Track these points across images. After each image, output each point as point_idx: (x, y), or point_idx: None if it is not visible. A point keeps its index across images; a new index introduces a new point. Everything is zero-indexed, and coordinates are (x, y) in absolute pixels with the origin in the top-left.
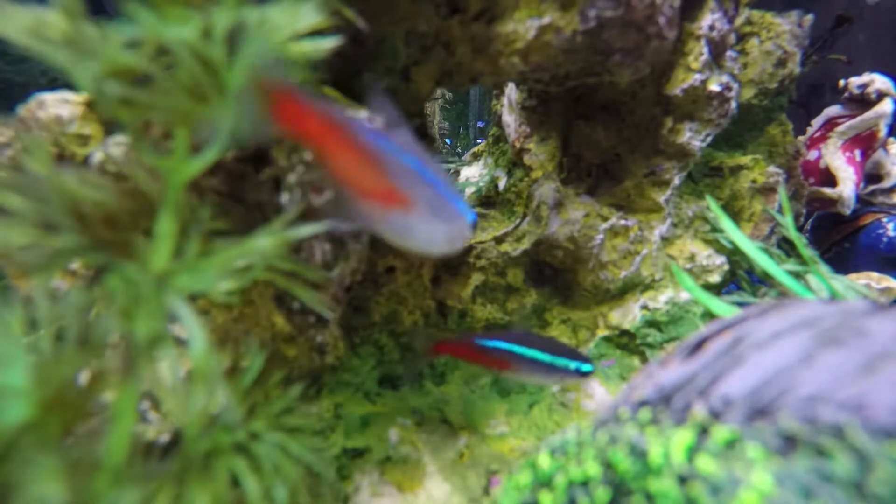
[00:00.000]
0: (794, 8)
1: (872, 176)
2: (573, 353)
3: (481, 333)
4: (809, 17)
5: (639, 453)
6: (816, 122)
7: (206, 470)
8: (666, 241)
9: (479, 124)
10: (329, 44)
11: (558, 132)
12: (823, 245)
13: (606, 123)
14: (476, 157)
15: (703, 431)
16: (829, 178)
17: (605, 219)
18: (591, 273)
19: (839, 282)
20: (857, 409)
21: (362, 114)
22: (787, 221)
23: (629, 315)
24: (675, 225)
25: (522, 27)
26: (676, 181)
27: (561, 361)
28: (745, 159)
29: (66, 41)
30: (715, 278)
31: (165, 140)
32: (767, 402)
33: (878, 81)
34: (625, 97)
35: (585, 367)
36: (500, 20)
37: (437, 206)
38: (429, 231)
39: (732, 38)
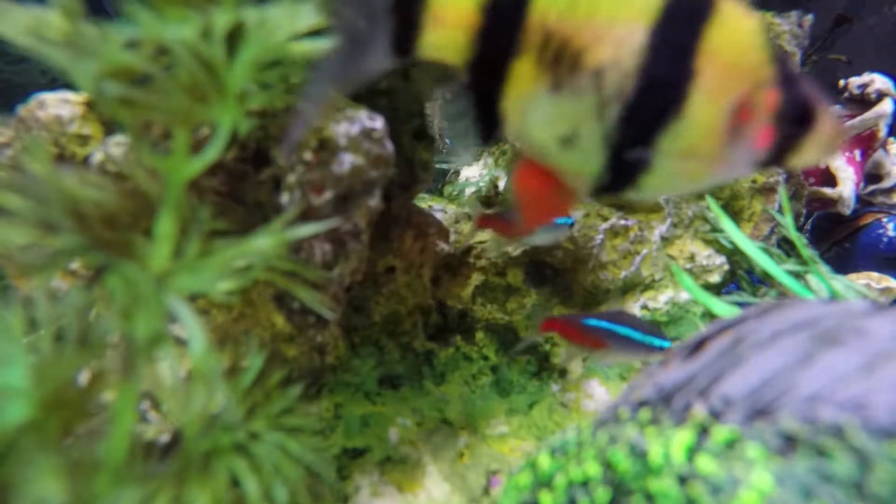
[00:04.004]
0: (794, 8)
1: (872, 176)
2: (654, 330)
3: (584, 314)
4: (809, 17)
5: (639, 453)
6: None
7: (206, 470)
8: (666, 241)
9: None
10: (329, 44)
11: None
12: (823, 245)
13: None
14: (476, 157)
15: (703, 431)
16: (829, 178)
17: (605, 219)
18: (591, 273)
19: (839, 282)
20: (857, 409)
21: (362, 113)
22: (787, 221)
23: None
24: (675, 225)
25: None
26: None
27: (650, 339)
28: None
29: (65, 41)
30: (715, 278)
31: (165, 140)
32: (767, 403)
33: (878, 81)
34: None
35: (667, 343)
36: None
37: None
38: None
39: None
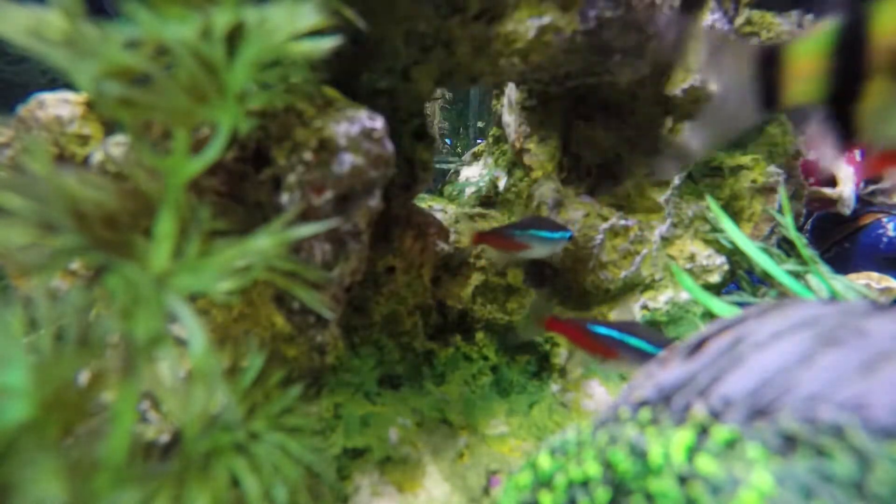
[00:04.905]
0: (794, 8)
1: (872, 176)
2: (663, 340)
3: (591, 320)
4: (809, 18)
5: (639, 453)
6: None
7: (206, 470)
8: (666, 241)
9: (479, 124)
10: (329, 44)
11: (558, 132)
12: (823, 245)
13: (607, 123)
14: (476, 157)
15: (703, 431)
16: (829, 178)
17: (605, 219)
18: (591, 273)
19: (839, 282)
20: (857, 409)
21: (362, 113)
22: (787, 221)
23: (629, 315)
24: (675, 225)
25: (523, 27)
26: (676, 181)
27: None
28: (745, 159)
29: (65, 41)
30: (715, 278)
31: (165, 140)
32: (767, 402)
33: None
34: (625, 97)
35: None
36: (501, 20)
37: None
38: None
39: None
